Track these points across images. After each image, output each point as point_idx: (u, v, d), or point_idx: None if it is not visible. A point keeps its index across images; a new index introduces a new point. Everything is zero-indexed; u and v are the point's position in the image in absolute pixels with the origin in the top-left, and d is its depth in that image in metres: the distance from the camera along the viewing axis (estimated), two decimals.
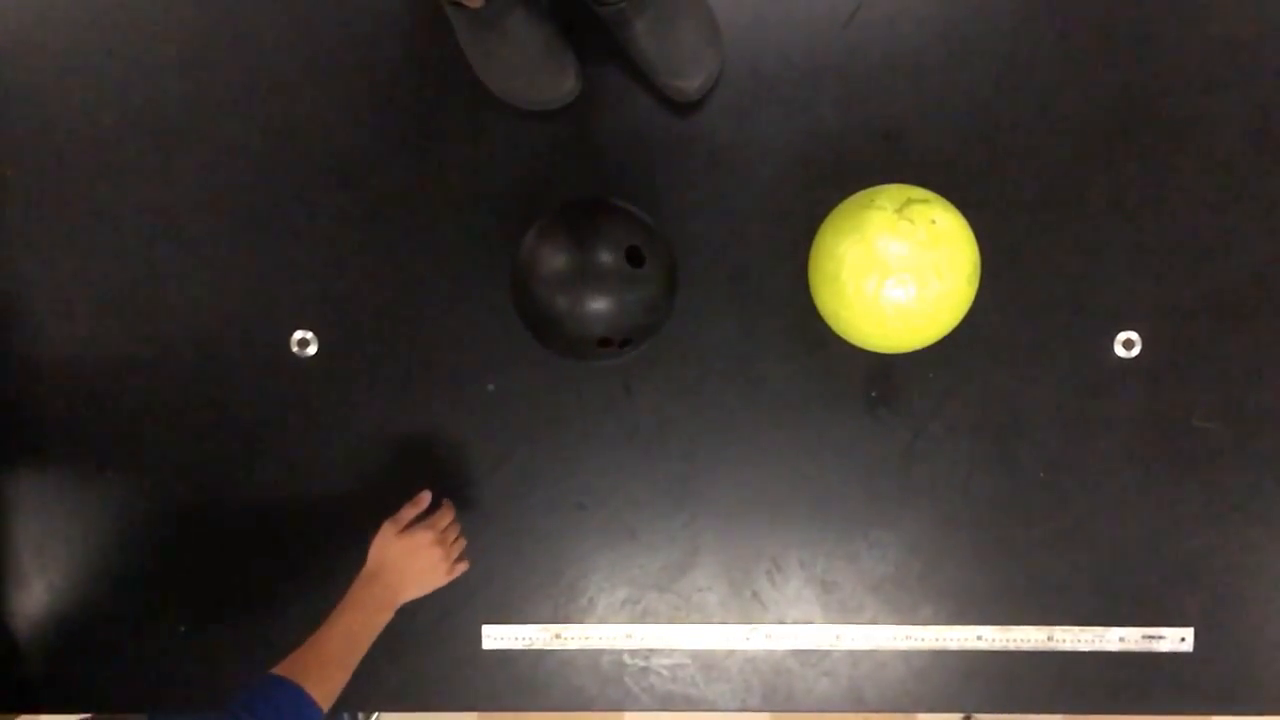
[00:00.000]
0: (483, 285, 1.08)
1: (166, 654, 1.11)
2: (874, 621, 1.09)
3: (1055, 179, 1.07)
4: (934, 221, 0.92)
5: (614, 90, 1.08)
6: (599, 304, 0.92)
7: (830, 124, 1.07)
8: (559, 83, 1.03)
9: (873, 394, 1.08)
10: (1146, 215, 1.07)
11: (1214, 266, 1.07)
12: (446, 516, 1.02)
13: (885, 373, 1.08)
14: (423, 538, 0.98)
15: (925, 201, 0.93)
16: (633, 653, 1.10)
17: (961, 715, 1.57)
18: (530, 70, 1.02)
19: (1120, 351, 1.07)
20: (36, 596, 1.11)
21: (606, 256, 0.93)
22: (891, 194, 0.94)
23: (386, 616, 0.95)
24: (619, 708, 1.10)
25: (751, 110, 1.07)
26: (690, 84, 1.03)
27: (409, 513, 1.01)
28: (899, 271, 0.91)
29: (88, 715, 1.15)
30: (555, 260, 0.93)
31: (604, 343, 0.95)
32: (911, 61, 1.07)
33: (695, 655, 1.09)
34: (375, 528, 1.09)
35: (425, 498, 1.03)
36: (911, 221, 0.91)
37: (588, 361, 1.06)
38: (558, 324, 0.94)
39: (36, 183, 1.09)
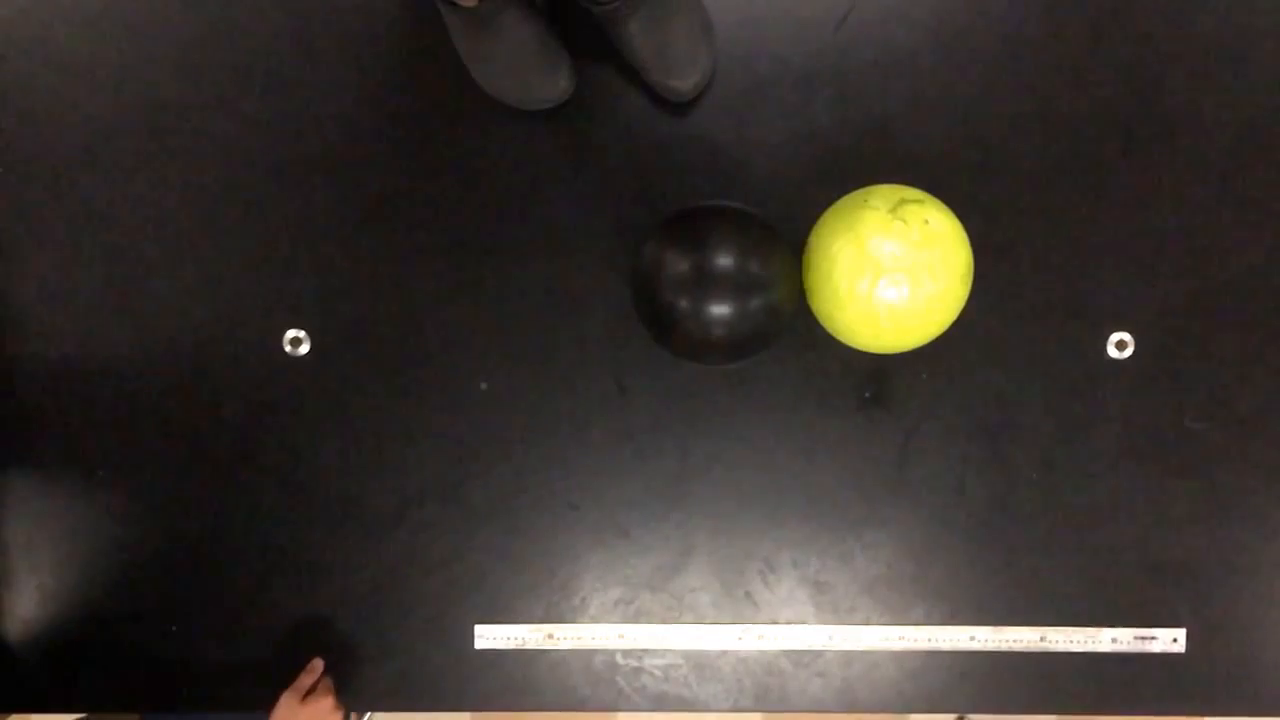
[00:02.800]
0: (475, 283, 1.08)
1: (157, 654, 1.10)
2: (867, 622, 1.09)
3: (1048, 179, 1.07)
4: (927, 221, 0.92)
5: (607, 90, 1.08)
6: (721, 308, 0.93)
7: (823, 124, 1.07)
8: (552, 82, 1.03)
9: (866, 394, 1.08)
10: (1140, 216, 1.07)
11: (1208, 267, 1.07)
12: (330, 684, 1.07)
13: (878, 373, 1.08)
14: (325, 704, 1.03)
15: (919, 201, 0.93)
16: (625, 653, 1.09)
17: (954, 716, 1.57)
18: (523, 70, 1.02)
19: (1113, 352, 1.07)
20: (27, 597, 1.11)
21: (726, 260, 0.94)
22: (885, 194, 0.94)
23: None
24: (612, 708, 1.10)
25: (745, 110, 1.07)
26: (684, 84, 1.03)
27: (307, 680, 1.05)
28: (892, 272, 0.91)
29: (78, 716, 1.15)
30: (680, 263, 0.94)
31: (717, 348, 0.96)
32: (904, 62, 1.07)
33: (688, 655, 1.09)
34: (366, 524, 1.09)
35: (319, 664, 1.07)
36: (905, 221, 0.91)
37: (704, 364, 1.06)
38: (679, 325, 0.96)
39: (24, 181, 1.09)
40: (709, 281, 0.94)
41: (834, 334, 1.00)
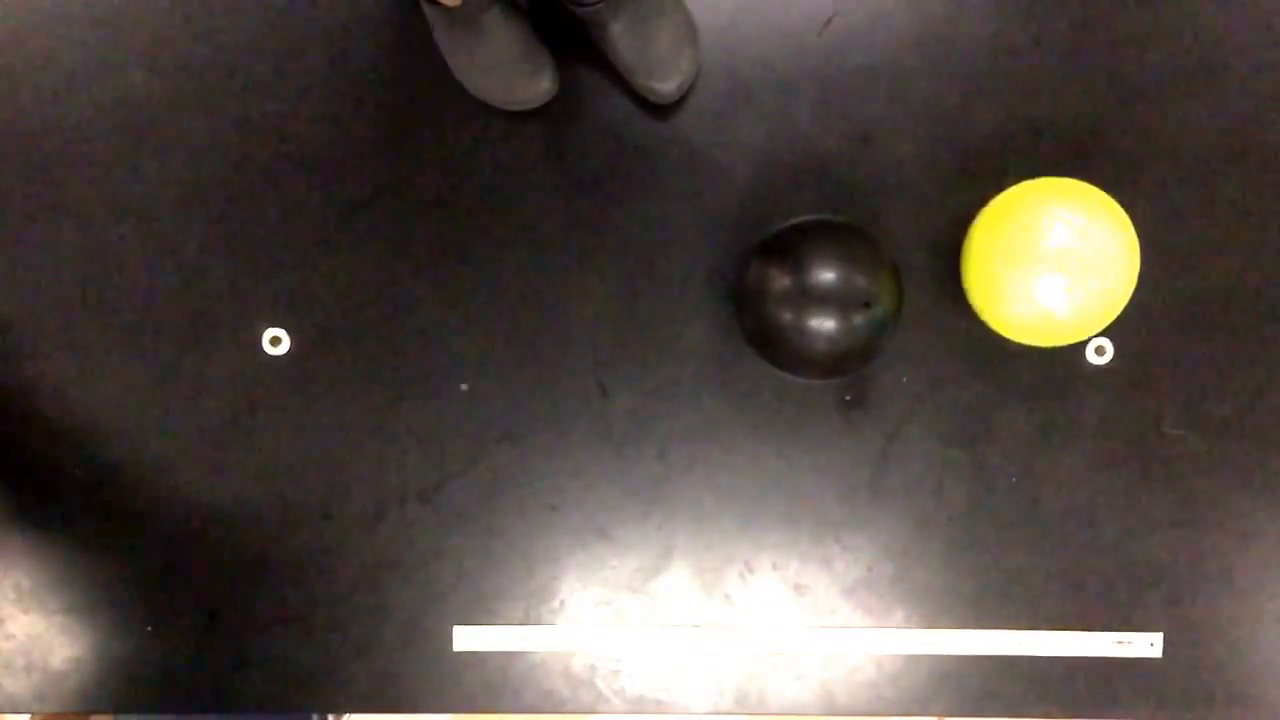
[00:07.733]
0: (459, 285, 1.08)
1: (133, 654, 1.09)
2: (846, 625, 1.09)
3: None
4: (1099, 217, 0.94)
5: (590, 91, 1.08)
6: (824, 323, 0.94)
7: (806, 127, 1.07)
8: (535, 83, 1.03)
9: (846, 398, 1.08)
10: None
11: (1186, 275, 1.07)
12: None
13: (859, 377, 1.08)
14: None
15: (1091, 196, 0.95)
16: (605, 655, 1.09)
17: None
18: (506, 70, 1.02)
19: (1092, 358, 1.08)
20: (2, 596, 1.10)
21: (830, 275, 0.94)
22: (1057, 186, 0.96)
23: None
24: (591, 710, 1.10)
25: (728, 113, 1.07)
26: (667, 86, 1.03)
27: None
28: (1068, 266, 0.92)
29: (54, 715, 1.14)
30: (783, 278, 0.95)
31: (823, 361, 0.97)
32: (887, 66, 1.07)
33: (667, 658, 1.09)
34: (345, 525, 1.08)
35: None
36: (1079, 217, 0.93)
37: (806, 378, 1.06)
38: (782, 340, 0.96)
39: (3, 178, 1.08)
40: (812, 296, 0.94)
41: (996, 327, 1.00)
